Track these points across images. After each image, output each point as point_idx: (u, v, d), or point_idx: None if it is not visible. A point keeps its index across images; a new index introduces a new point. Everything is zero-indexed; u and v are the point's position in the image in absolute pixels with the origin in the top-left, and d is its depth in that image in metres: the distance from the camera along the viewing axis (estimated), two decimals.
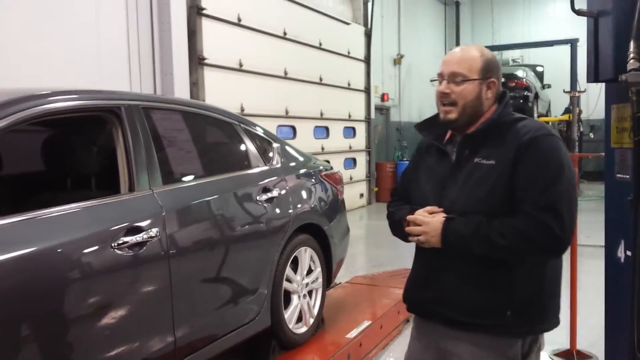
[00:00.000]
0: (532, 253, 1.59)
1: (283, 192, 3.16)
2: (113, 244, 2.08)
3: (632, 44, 1.95)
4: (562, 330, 4.05)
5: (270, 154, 3.29)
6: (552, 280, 1.69)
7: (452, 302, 1.68)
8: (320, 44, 8.43)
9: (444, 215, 1.65)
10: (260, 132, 3.34)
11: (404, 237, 1.77)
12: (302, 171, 3.49)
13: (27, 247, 1.85)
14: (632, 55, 1.95)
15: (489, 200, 1.59)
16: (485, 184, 1.61)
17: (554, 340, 3.96)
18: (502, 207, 1.58)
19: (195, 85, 5.68)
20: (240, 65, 6.50)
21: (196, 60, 5.71)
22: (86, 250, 2.02)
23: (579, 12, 2.26)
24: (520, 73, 12.58)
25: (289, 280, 3.16)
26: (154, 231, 2.24)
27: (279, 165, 3.29)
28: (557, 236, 1.53)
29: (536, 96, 12.51)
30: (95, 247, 2.05)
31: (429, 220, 1.65)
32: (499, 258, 1.61)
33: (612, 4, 2.11)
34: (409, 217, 1.71)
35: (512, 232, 1.55)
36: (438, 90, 1.67)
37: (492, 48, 16.70)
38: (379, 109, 12.34)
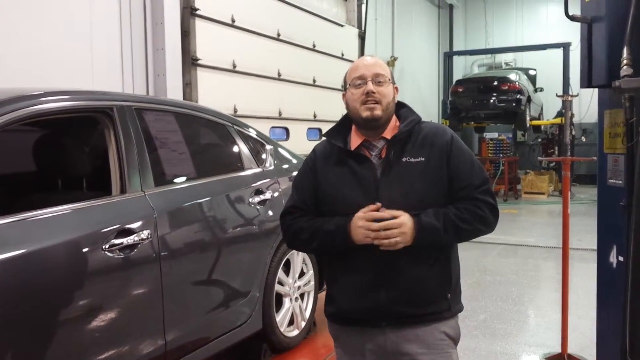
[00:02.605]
0: (486, 230, 1.75)
1: (276, 194, 3.15)
2: (104, 246, 2.07)
3: (625, 50, 1.96)
4: (553, 334, 4.06)
5: (263, 156, 3.28)
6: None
7: (412, 297, 1.72)
8: (314, 46, 8.41)
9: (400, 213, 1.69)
10: (253, 133, 3.33)
11: (342, 244, 1.70)
12: (294, 173, 3.48)
13: (17, 249, 1.83)
14: (625, 62, 1.95)
15: (429, 193, 1.71)
16: (424, 179, 1.73)
17: (545, 343, 3.96)
18: (438, 198, 1.72)
19: (189, 86, 5.64)
20: (234, 66, 6.48)
21: (189, 61, 5.67)
22: (77, 253, 2.00)
23: (573, 18, 2.27)
24: (512, 76, 12.63)
25: (281, 283, 3.15)
26: (145, 233, 2.23)
27: (271, 168, 3.28)
28: (497, 209, 1.75)
29: (528, 99, 12.56)
30: (86, 249, 2.03)
31: (402, 221, 1.65)
32: (441, 247, 1.75)
33: (606, 10, 2.12)
34: (377, 225, 1.64)
35: (471, 216, 1.70)
36: (366, 90, 1.74)
37: (485, 51, 16.83)
38: None
